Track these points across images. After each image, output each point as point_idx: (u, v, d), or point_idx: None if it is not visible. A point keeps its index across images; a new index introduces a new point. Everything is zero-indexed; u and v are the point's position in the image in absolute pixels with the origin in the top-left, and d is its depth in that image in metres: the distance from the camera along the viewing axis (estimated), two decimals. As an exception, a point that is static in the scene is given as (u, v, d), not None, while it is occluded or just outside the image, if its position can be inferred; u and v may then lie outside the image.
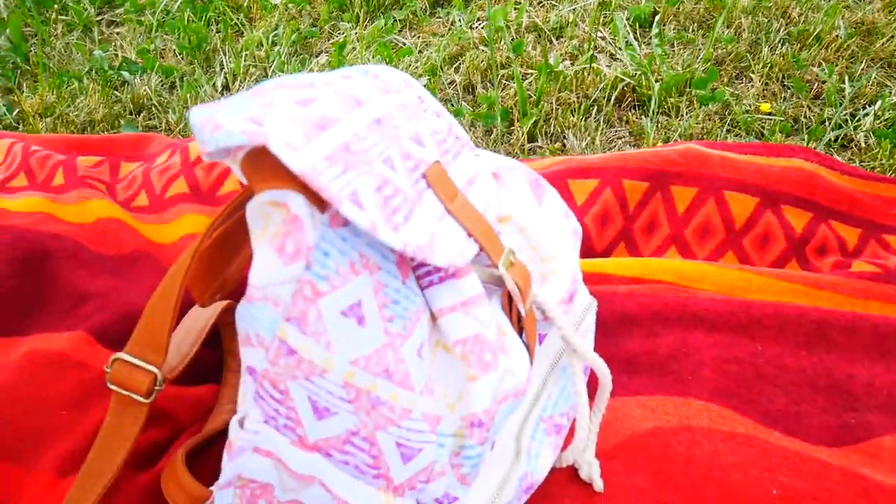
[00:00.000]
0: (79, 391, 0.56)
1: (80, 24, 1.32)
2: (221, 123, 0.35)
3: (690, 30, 1.23)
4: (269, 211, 0.37)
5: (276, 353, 0.38)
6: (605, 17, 1.28)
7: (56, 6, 1.38)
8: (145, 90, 1.07)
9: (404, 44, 1.22)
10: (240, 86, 1.10)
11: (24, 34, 1.29)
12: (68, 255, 0.69)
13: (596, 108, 1.04)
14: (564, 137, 0.99)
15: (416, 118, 0.49)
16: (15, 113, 1.07)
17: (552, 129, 1.00)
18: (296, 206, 0.36)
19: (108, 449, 0.46)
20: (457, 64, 1.15)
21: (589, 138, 0.98)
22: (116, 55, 1.19)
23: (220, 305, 0.59)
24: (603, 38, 1.22)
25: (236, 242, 0.50)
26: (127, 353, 0.45)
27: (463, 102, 1.07)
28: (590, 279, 0.72)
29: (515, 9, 1.31)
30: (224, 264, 0.51)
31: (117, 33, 1.32)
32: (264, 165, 0.36)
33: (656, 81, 1.05)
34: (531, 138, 0.99)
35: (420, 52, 1.20)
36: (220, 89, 1.11)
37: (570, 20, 1.28)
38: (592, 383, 0.61)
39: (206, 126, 0.35)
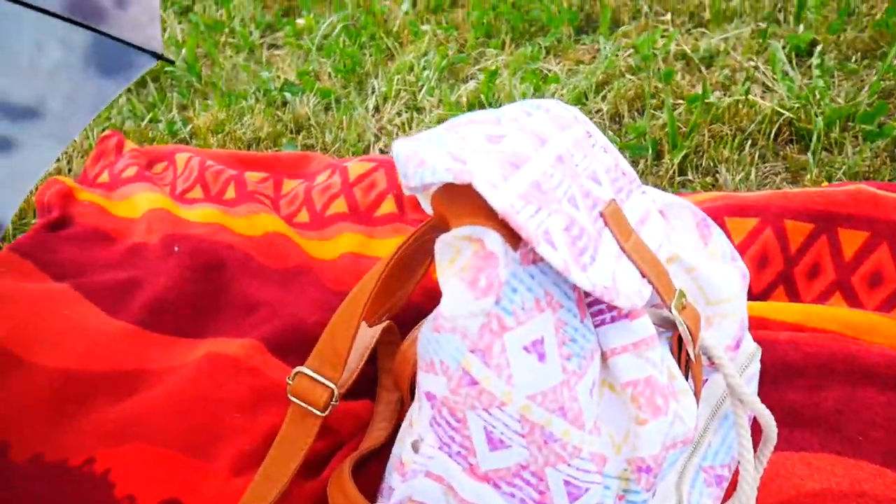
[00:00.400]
0: (251, 396, 0.60)
1: (245, 46, 1.42)
2: (425, 159, 0.37)
3: (853, 59, 1.16)
4: (461, 245, 0.39)
5: (458, 383, 0.39)
6: (758, 46, 1.24)
7: (225, 30, 1.49)
8: (305, 110, 1.14)
9: (550, 70, 1.23)
10: (390, 108, 1.15)
11: (196, 55, 1.40)
12: (240, 266, 0.74)
13: (750, 141, 1.00)
14: (716, 171, 0.96)
15: (590, 155, 0.50)
16: (189, 128, 1.16)
17: (703, 162, 0.97)
18: (491, 243, 0.37)
19: (283, 456, 0.48)
20: (603, 92, 1.15)
21: (743, 173, 0.95)
22: (279, 77, 1.27)
23: (381, 325, 0.62)
24: (756, 68, 1.18)
25: (410, 269, 0.52)
26: (308, 367, 0.48)
27: (610, 132, 1.06)
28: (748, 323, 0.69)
29: (664, 36, 1.29)
30: (396, 289, 0.53)
31: (277, 55, 1.41)
32: (461, 201, 0.38)
33: (817, 115, 1.00)
34: (681, 171, 0.97)
35: (567, 78, 1.20)
36: (371, 111, 1.16)
37: (722, 49, 1.24)
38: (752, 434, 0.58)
39: (411, 161, 0.37)
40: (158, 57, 0.76)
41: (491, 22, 1.36)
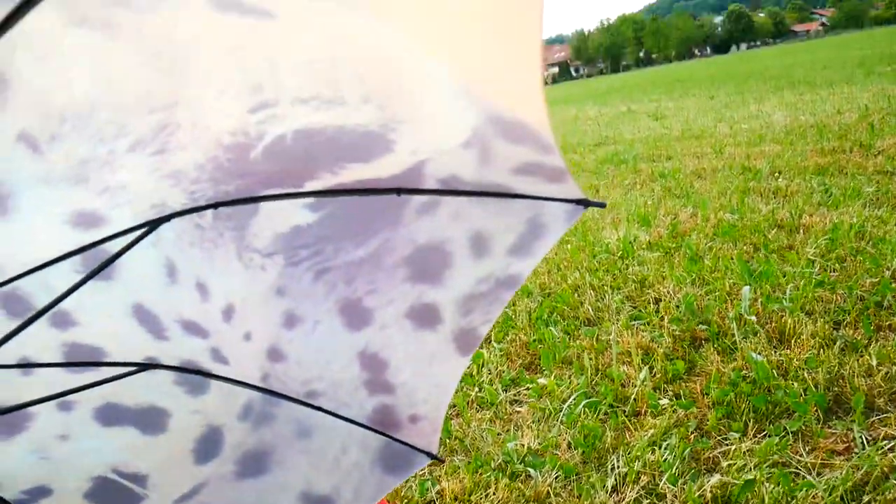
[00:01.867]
0: None
1: (492, 404, 1.56)
2: None
3: None
4: None
5: None
6: None
7: (475, 384, 1.67)
8: (545, 488, 1.19)
9: (800, 461, 1.18)
10: (630, 491, 1.16)
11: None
12: None
13: None
14: None
15: None
16: (436, 489, 1.26)
17: None
18: None
19: None
20: (866, 498, 1.07)
21: None
22: (522, 445, 1.36)
23: None
24: None
25: None
26: None
27: (879, 552, 0.97)
28: None
29: (932, 431, 1.20)
30: None
31: (519, 413, 1.52)
32: None
33: None
34: None
35: (818, 473, 1.15)
36: (609, 491, 1.18)
37: None
38: None
39: None
40: (433, 457, 0.88)
41: (731, 401, 1.37)
